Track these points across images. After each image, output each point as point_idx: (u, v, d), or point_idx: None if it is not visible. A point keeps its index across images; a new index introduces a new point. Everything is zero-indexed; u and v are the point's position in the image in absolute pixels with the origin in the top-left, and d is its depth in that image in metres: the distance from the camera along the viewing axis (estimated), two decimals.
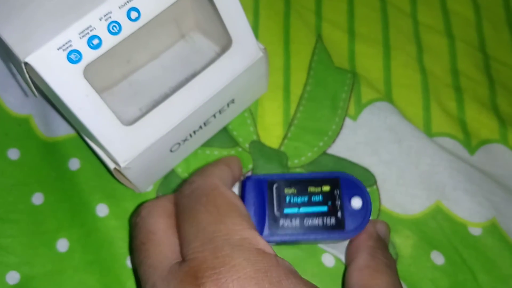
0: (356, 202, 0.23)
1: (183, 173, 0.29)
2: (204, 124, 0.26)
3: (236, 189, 0.28)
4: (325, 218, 0.22)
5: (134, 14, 0.21)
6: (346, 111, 0.30)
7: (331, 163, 0.29)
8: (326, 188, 0.23)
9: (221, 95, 0.25)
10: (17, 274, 0.26)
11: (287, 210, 0.23)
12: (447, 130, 0.30)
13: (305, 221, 0.22)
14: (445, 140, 0.30)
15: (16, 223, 0.27)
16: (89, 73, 0.21)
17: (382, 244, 0.24)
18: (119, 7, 0.21)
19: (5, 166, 0.28)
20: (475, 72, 0.33)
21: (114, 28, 0.21)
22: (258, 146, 0.29)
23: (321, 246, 0.27)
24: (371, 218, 0.27)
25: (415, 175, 0.29)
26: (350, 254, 0.25)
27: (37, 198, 0.28)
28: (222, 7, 0.23)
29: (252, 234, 0.20)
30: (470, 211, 0.28)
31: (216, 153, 0.29)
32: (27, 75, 0.20)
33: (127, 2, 0.21)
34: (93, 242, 0.27)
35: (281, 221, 0.22)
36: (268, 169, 0.29)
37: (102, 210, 0.27)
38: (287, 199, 0.23)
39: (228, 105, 0.27)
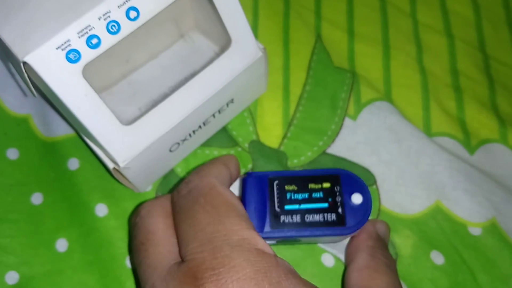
0: (357, 198, 0.23)
1: (182, 173, 0.29)
2: (204, 123, 0.26)
3: (236, 187, 0.28)
4: (326, 214, 0.22)
5: (133, 14, 0.21)
6: (346, 110, 0.30)
7: (331, 163, 0.29)
8: (326, 184, 0.23)
9: (220, 94, 0.25)
10: (16, 274, 0.26)
11: (288, 207, 0.23)
12: (447, 130, 0.30)
13: (306, 217, 0.22)
14: (445, 140, 0.30)
15: (15, 223, 0.27)
16: (88, 73, 0.21)
17: (382, 244, 0.24)
18: (118, 7, 0.21)
19: (4, 166, 0.28)
20: (475, 72, 0.33)
21: (113, 27, 0.21)
22: (257, 146, 0.29)
23: (321, 245, 0.27)
24: (371, 218, 0.27)
25: (415, 175, 0.29)
26: (349, 254, 0.25)
27: (36, 198, 0.28)
28: (221, 6, 0.23)
29: (251, 234, 0.20)
30: (470, 211, 0.28)
31: (215, 153, 0.29)
32: (26, 75, 0.20)
33: (126, 1, 0.21)
34: (93, 242, 0.27)
35: (282, 218, 0.22)
36: (267, 169, 0.29)
37: (101, 210, 0.27)
38: (288, 195, 0.23)
39: (227, 104, 0.27)
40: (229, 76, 0.25)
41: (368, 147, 0.29)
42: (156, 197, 0.27)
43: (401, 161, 0.29)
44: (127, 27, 0.21)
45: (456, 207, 0.28)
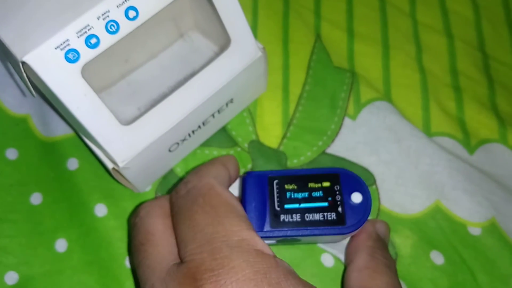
0: (356, 197, 0.23)
1: (182, 173, 0.29)
2: (203, 123, 0.26)
3: (235, 187, 0.28)
4: (325, 213, 0.22)
5: (132, 13, 0.21)
6: (345, 110, 0.30)
7: (330, 162, 0.29)
8: (326, 183, 0.23)
9: (219, 94, 0.25)
10: (16, 274, 0.26)
11: (288, 206, 0.23)
12: (447, 129, 0.30)
13: (306, 216, 0.22)
14: (445, 139, 0.30)
15: (14, 223, 0.27)
16: (87, 73, 0.21)
17: (382, 244, 0.24)
18: (117, 6, 0.21)
19: (3, 166, 0.28)
20: (475, 71, 0.33)
21: (112, 27, 0.21)
22: (257, 146, 0.29)
23: (320, 245, 0.27)
24: (370, 218, 0.27)
25: (415, 174, 0.29)
26: (349, 254, 0.25)
27: (36, 198, 0.28)
28: (220, 6, 0.23)
29: (250, 235, 0.20)
30: (470, 210, 0.28)
31: (215, 153, 0.29)
32: (24, 75, 0.20)
33: (125, 1, 0.21)
34: (92, 242, 0.27)
35: (282, 217, 0.22)
36: (267, 169, 0.29)
37: (100, 210, 0.27)
38: (288, 194, 0.23)
39: (227, 104, 0.27)
40: (228, 76, 0.25)
41: (368, 147, 0.29)
42: (156, 198, 0.27)
43: (401, 161, 0.29)
44: (126, 27, 0.21)
45: (456, 207, 0.28)
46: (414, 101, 0.31)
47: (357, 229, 0.22)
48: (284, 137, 0.30)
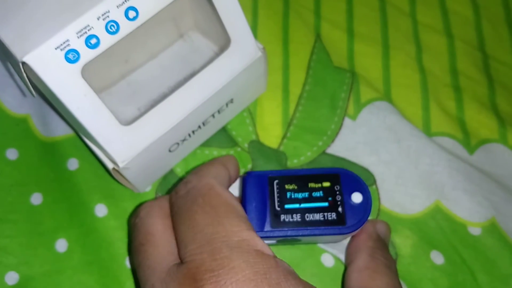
0: (357, 197, 0.23)
1: (182, 173, 0.29)
2: (203, 123, 0.26)
3: (236, 187, 0.28)
4: (326, 213, 0.22)
5: (132, 13, 0.21)
6: (345, 110, 0.30)
7: (330, 162, 0.29)
8: (326, 183, 0.23)
9: (220, 94, 0.25)
10: (16, 275, 0.26)
11: (288, 206, 0.23)
12: (447, 129, 0.30)
13: (306, 216, 0.22)
14: (444, 139, 0.30)
15: (14, 223, 0.27)
16: (87, 73, 0.21)
17: (382, 244, 0.24)
18: (117, 6, 0.21)
19: (3, 166, 0.28)
20: (474, 71, 0.33)
21: (112, 27, 0.21)
22: (257, 146, 0.29)
23: (321, 246, 0.27)
24: (371, 218, 0.27)
25: (415, 174, 0.29)
26: (349, 254, 0.25)
27: (36, 198, 0.28)
28: (220, 6, 0.23)
29: (250, 235, 0.20)
30: (470, 210, 0.28)
31: (215, 153, 0.29)
32: (24, 75, 0.20)
33: (125, 1, 0.21)
34: (92, 243, 0.27)
35: (282, 217, 0.22)
36: (267, 169, 0.29)
37: (101, 210, 0.27)
38: (288, 194, 0.23)
39: (227, 104, 0.27)
40: (228, 76, 0.25)
41: (368, 147, 0.29)
42: (156, 198, 0.27)
43: (401, 161, 0.29)
44: (126, 27, 0.21)
45: (456, 207, 0.28)
46: (414, 101, 0.31)
47: (357, 229, 0.22)
48: (284, 137, 0.30)
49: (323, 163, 0.29)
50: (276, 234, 0.22)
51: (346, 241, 0.26)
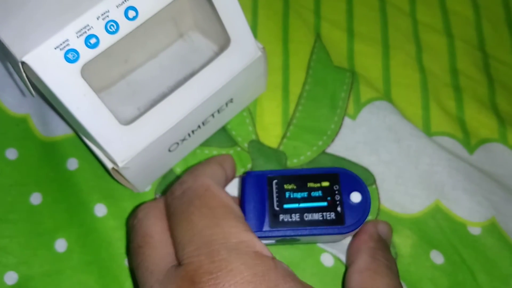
0: (356, 197, 0.23)
1: (181, 173, 0.29)
2: (203, 123, 0.26)
3: (235, 187, 0.28)
4: (325, 213, 0.22)
5: (131, 13, 0.21)
6: (345, 110, 0.30)
7: (330, 162, 0.29)
8: (325, 183, 0.23)
9: (219, 94, 0.25)
10: (15, 274, 0.26)
11: (287, 206, 0.23)
12: (446, 129, 0.30)
13: (305, 216, 0.22)
14: (444, 139, 0.30)
15: (14, 223, 0.27)
16: (86, 73, 0.21)
17: (383, 245, 0.24)
18: (117, 6, 0.21)
19: (3, 166, 0.28)
20: (475, 71, 0.33)
21: (112, 27, 0.21)
22: (257, 146, 0.29)
23: (320, 245, 0.27)
24: (371, 218, 0.27)
25: (414, 174, 0.29)
26: (350, 255, 0.25)
27: (35, 198, 0.28)
28: (220, 6, 0.23)
29: (248, 237, 0.20)
30: (470, 210, 0.28)
31: (215, 152, 0.29)
32: (24, 75, 0.20)
33: (125, 1, 0.21)
34: (92, 242, 0.27)
35: (281, 216, 0.22)
36: (267, 168, 0.29)
37: (100, 210, 0.27)
38: (287, 194, 0.23)
39: (226, 104, 0.27)
40: (228, 75, 0.25)
41: (368, 146, 0.29)
42: (155, 199, 0.27)
43: (401, 160, 0.29)
44: (126, 27, 0.21)
45: (456, 206, 0.28)
46: (414, 100, 0.31)
47: (356, 228, 0.22)
48: (284, 136, 0.30)
49: (323, 163, 0.29)
50: (275, 234, 0.22)
51: (345, 240, 0.26)
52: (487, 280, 0.26)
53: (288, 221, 0.22)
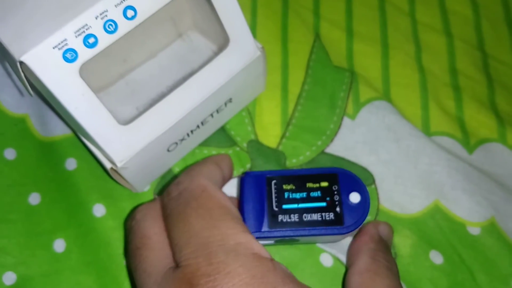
0: (355, 197, 0.23)
1: (180, 173, 0.28)
2: (202, 123, 0.26)
3: (235, 187, 0.28)
4: (324, 213, 0.22)
5: (130, 13, 0.21)
6: (345, 110, 0.30)
7: (329, 162, 0.29)
8: (324, 183, 0.23)
9: (218, 94, 0.25)
10: (14, 275, 0.26)
11: (286, 206, 0.23)
12: (446, 129, 0.30)
13: (304, 216, 0.22)
14: (444, 139, 0.30)
15: (12, 224, 0.27)
16: (85, 72, 0.21)
17: (384, 246, 0.24)
18: (115, 6, 0.21)
19: (1, 166, 0.28)
20: (474, 71, 0.33)
21: (110, 26, 0.21)
22: (256, 146, 0.29)
23: (319, 245, 0.27)
24: (370, 218, 0.27)
25: (414, 174, 0.29)
26: (351, 256, 0.25)
27: (34, 198, 0.28)
28: (219, 5, 0.23)
29: (246, 238, 0.19)
30: (469, 210, 0.28)
31: (213, 152, 0.29)
32: (22, 74, 0.20)
33: (123, 0, 0.21)
34: (90, 243, 0.27)
35: (280, 217, 0.22)
36: (266, 168, 0.28)
37: (99, 210, 0.27)
38: (286, 195, 0.23)
39: (225, 104, 0.27)
40: (227, 75, 0.25)
41: (367, 146, 0.29)
42: (153, 200, 0.27)
43: (400, 160, 0.29)
44: (125, 26, 0.21)
45: (455, 206, 0.28)
46: (413, 100, 0.31)
47: (355, 229, 0.22)
48: (283, 136, 0.30)
49: (322, 163, 0.29)
50: (274, 234, 0.22)
51: (345, 241, 0.26)
52: (487, 280, 0.26)
53: (287, 222, 0.22)
